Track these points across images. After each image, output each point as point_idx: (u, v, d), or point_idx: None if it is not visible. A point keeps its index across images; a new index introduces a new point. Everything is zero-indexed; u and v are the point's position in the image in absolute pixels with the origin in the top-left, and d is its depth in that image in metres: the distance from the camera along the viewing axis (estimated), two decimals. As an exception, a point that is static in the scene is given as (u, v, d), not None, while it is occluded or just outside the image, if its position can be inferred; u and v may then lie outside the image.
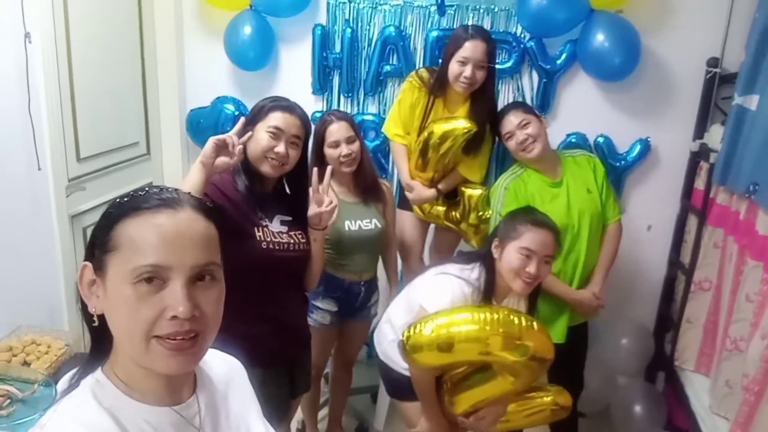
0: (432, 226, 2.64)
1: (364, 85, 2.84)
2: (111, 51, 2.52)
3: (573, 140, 2.71)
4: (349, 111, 2.87)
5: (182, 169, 3.05)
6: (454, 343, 1.63)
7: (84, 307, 0.80)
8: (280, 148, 1.61)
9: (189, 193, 0.82)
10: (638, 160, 2.71)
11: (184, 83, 2.96)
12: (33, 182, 2.07)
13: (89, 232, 2.43)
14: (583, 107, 2.70)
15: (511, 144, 2.25)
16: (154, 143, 2.93)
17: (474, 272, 1.78)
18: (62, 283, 2.24)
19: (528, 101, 2.71)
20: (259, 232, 1.63)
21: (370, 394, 2.85)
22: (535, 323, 1.67)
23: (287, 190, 1.77)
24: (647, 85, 2.63)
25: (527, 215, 1.80)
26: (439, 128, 2.25)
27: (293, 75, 2.90)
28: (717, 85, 2.51)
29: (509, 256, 1.73)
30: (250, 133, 1.63)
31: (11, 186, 1.99)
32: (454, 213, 2.47)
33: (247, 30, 2.72)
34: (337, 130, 2.07)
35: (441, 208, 2.46)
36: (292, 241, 1.69)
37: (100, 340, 0.81)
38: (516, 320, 1.63)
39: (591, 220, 2.23)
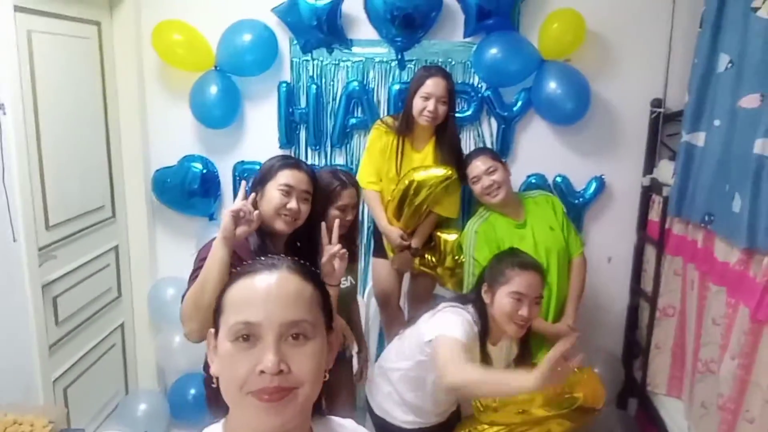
0: (407, 274, 2.69)
1: (331, 138, 2.90)
2: (75, 116, 2.50)
3: (533, 181, 2.85)
4: (316, 163, 2.93)
5: (148, 230, 3.00)
6: None
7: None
8: (293, 204, 1.65)
9: (292, 257, 0.86)
10: (594, 196, 2.87)
11: (148, 144, 2.94)
12: (7, 254, 2.00)
13: (59, 301, 2.37)
14: (541, 150, 2.85)
15: (477, 188, 2.38)
16: (119, 206, 2.88)
17: (471, 314, 1.83)
18: (37, 357, 2.15)
19: (489, 146, 2.84)
20: None
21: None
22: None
23: (298, 246, 1.78)
24: (598, 126, 2.81)
25: (513, 258, 1.86)
26: (418, 176, 2.34)
27: (260, 130, 2.93)
28: (662, 123, 2.72)
29: (500, 301, 1.78)
30: (253, 194, 1.66)
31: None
32: (429, 257, 2.54)
33: (213, 90, 2.75)
34: (348, 196, 2.10)
35: (427, 255, 2.53)
36: None
37: (219, 403, 0.84)
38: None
39: (558, 256, 2.35)
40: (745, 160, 1.90)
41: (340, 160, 2.93)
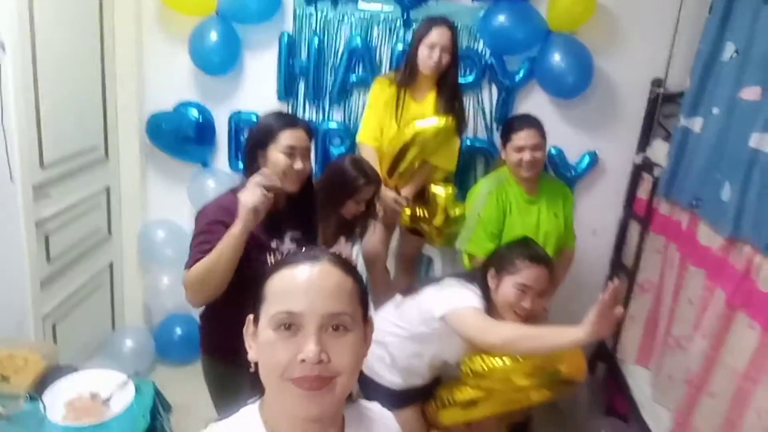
0: (396, 233, 2.73)
1: (330, 94, 2.88)
2: (71, 56, 2.43)
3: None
4: (314, 118, 2.92)
5: (140, 173, 2.99)
6: None
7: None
8: (298, 164, 1.65)
9: (333, 251, 0.88)
10: (587, 170, 2.93)
11: (144, 87, 2.89)
12: (3, 192, 1.99)
13: (52, 238, 2.38)
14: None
15: (516, 157, 2.31)
16: (113, 147, 2.85)
17: (478, 290, 1.87)
18: (29, 292, 2.17)
19: (488, 114, 2.86)
20: (270, 257, 1.66)
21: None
22: None
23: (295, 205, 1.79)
24: (597, 101, 2.84)
25: (525, 249, 1.89)
26: (416, 127, 2.37)
27: (258, 81, 2.90)
28: (660, 103, 2.75)
29: (506, 290, 1.83)
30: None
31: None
32: (420, 211, 2.57)
33: (213, 36, 2.70)
34: (369, 192, 2.17)
35: (418, 210, 2.56)
36: None
37: (256, 388, 0.87)
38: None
39: (555, 242, 2.41)
40: (739, 151, 1.95)
41: (337, 116, 2.93)
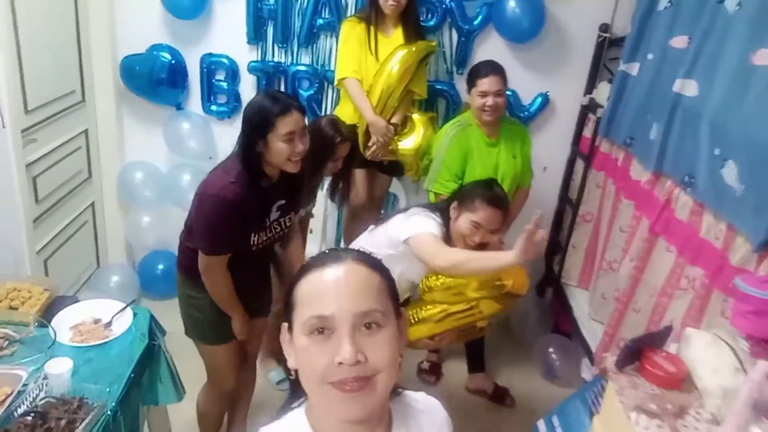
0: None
1: (298, 37, 3.01)
2: (46, 3, 2.51)
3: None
4: (283, 61, 3.06)
5: (116, 115, 3.11)
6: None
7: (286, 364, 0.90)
8: (299, 147, 1.78)
9: (354, 249, 0.90)
10: (539, 111, 3.15)
11: (115, 30, 2.97)
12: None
13: (39, 180, 2.53)
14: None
15: (479, 101, 2.49)
16: (89, 91, 2.95)
17: (438, 219, 2.10)
18: (24, 231, 2.35)
19: (448, 58, 3.03)
20: (254, 237, 1.86)
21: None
22: None
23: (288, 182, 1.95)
24: (549, 45, 3.03)
25: (486, 191, 2.10)
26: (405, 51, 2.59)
27: (228, 24, 3.00)
28: (606, 47, 2.96)
29: (462, 224, 2.06)
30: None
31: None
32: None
33: (183, -21, 2.78)
34: (344, 149, 2.34)
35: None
36: (277, 229, 1.94)
37: (299, 394, 0.89)
38: None
39: (511, 181, 2.64)
40: (665, 94, 2.20)
41: (306, 59, 3.06)
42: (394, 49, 2.62)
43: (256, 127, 1.76)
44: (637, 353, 1.40)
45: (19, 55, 2.28)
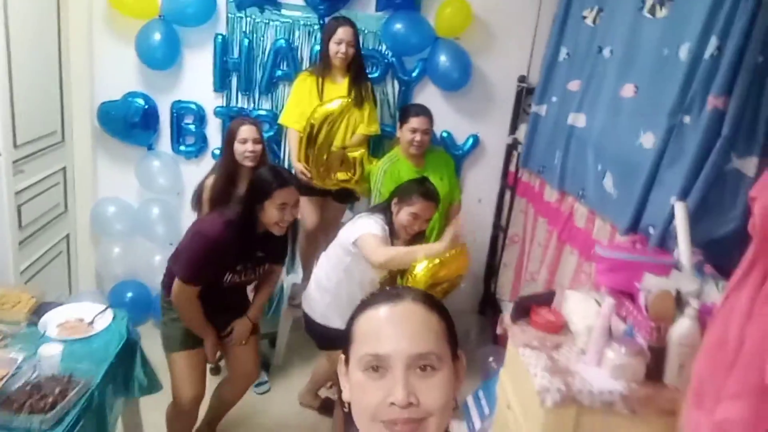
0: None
1: (259, 86, 3.43)
2: (35, 54, 2.87)
3: (424, 134, 3.54)
4: (246, 107, 3.46)
5: (92, 155, 3.43)
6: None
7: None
8: (288, 216, 2.17)
9: (414, 288, 0.91)
10: (471, 149, 3.63)
11: (93, 79, 3.33)
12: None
13: (23, 208, 2.81)
14: (433, 109, 3.43)
15: (408, 136, 2.91)
16: (68, 132, 3.27)
17: (381, 219, 2.44)
18: (11, 252, 2.62)
19: (391, 104, 3.49)
20: (228, 275, 2.22)
21: (269, 339, 3.48)
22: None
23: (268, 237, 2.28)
24: (477, 93, 3.53)
25: (421, 187, 2.46)
26: (321, 110, 2.86)
27: (197, 74, 3.41)
28: (524, 95, 3.48)
29: (402, 216, 2.41)
30: None
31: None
32: (346, 174, 3.07)
33: (157, 36, 3.19)
34: (247, 131, 2.67)
35: (342, 175, 3.06)
36: (251, 275, 2.32)
37: (350, 426, 0.88)
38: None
39: (443, 200, 3.01)
40: (563, 127, 2.69)
41: (266, 105, 3.48)
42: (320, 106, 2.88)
43: (258, 193, 2.15)
44: (527, 310, 1.78)
45: (12, 96, 2.61)
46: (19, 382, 1.79)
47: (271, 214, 2.15)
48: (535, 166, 3.07)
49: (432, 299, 0.87)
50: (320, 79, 3.07)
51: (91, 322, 2.23)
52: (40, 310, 2.27)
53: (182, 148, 3.52)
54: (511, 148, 3.58)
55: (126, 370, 2.20)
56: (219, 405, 2.56)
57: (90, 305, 2.31)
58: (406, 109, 3.05)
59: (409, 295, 0.85)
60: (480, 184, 3.71)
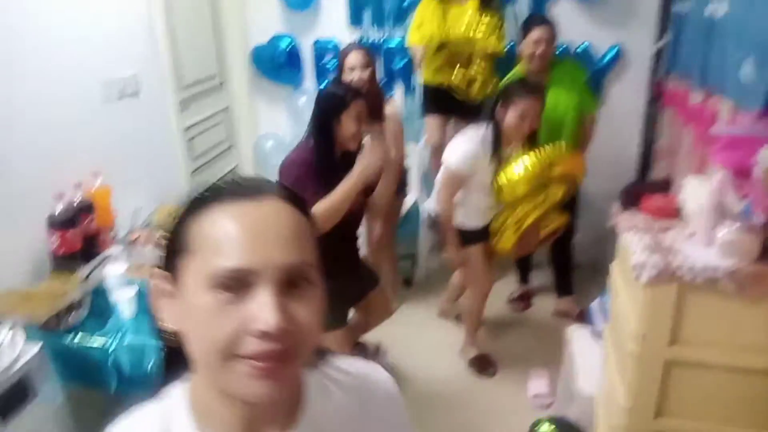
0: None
1: (392, 16, 3.55)
2: (193, 9, 3.28)
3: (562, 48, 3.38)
4: (378, 38, 3.61)
5: (249, 94, 3.84)
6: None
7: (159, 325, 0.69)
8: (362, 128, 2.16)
9: (270, 180, 0.69)
10: (613, 62, 3.40)
11: (246, 26, 3.71)
12: (159, 102, 2.89)
13: (194, 142, 3.26)
14: (567, 23, 3.29)
15: (530, 49, 2.81)
16: (227, 75, 3.71)
17: (483, 129, 2.49)
18: (184, 178, 3.10)
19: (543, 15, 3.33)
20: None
21: (411, 259, 3.68)
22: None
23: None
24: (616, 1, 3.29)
25: (521, 86, 2.46)
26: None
27: (333, 13, 3.62)
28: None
29: (510, 120, 2.40)
30: None
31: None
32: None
33: (296, -24, 3.44)
34: (353, 58, 2.71)
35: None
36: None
37: (177, 365, 0.70)
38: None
39: (574, 113, 2.88)
40: (701, 21, 2.42)
41: (398, 34, 3.58)
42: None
43: (333, 108, 2.14)
44: (638, 197, 1.71)
45: (175, 46, 3.03)
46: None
47: (348, 126, 2.14)
48: (680, 70, 2.81)
49: (299, 196, 0.68)
50: (444, 3, 3.09)
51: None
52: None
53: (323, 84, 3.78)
54: (657, 56, 3.29)
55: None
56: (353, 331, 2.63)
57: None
58: (527, 21, 2.96)
59: (273, 190, 0.66)
60: (624, 99, 3.48)
